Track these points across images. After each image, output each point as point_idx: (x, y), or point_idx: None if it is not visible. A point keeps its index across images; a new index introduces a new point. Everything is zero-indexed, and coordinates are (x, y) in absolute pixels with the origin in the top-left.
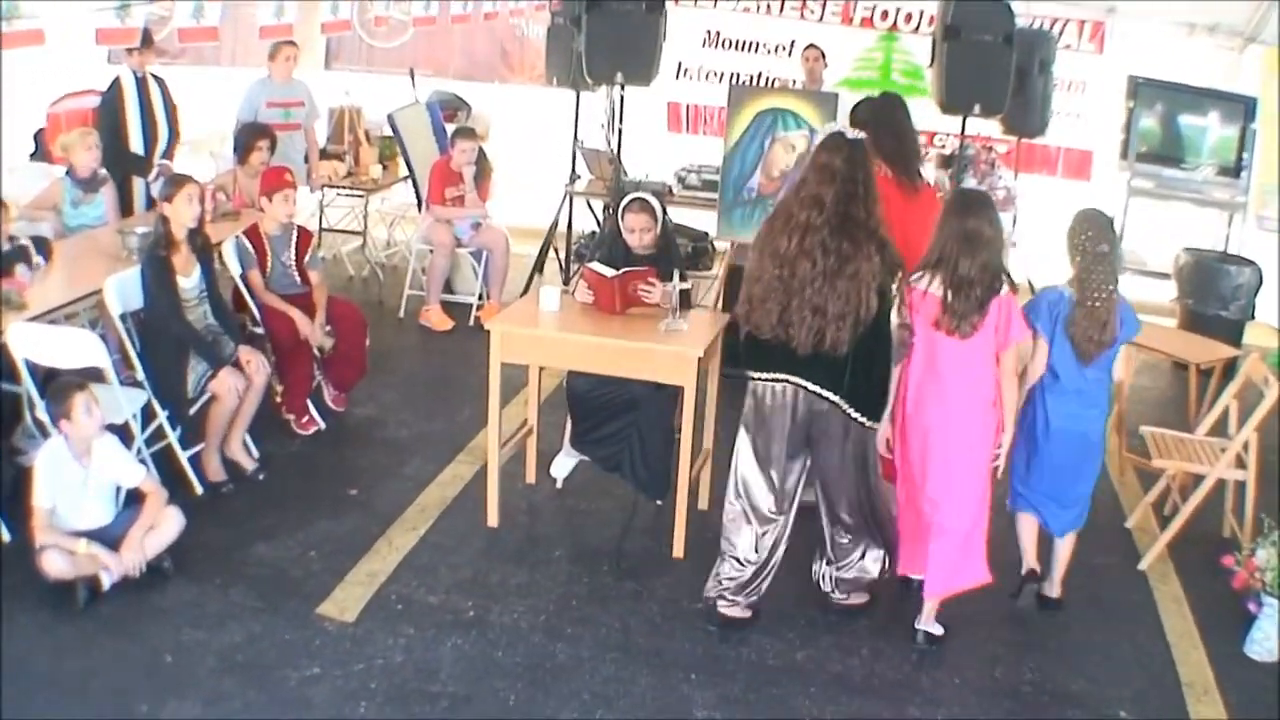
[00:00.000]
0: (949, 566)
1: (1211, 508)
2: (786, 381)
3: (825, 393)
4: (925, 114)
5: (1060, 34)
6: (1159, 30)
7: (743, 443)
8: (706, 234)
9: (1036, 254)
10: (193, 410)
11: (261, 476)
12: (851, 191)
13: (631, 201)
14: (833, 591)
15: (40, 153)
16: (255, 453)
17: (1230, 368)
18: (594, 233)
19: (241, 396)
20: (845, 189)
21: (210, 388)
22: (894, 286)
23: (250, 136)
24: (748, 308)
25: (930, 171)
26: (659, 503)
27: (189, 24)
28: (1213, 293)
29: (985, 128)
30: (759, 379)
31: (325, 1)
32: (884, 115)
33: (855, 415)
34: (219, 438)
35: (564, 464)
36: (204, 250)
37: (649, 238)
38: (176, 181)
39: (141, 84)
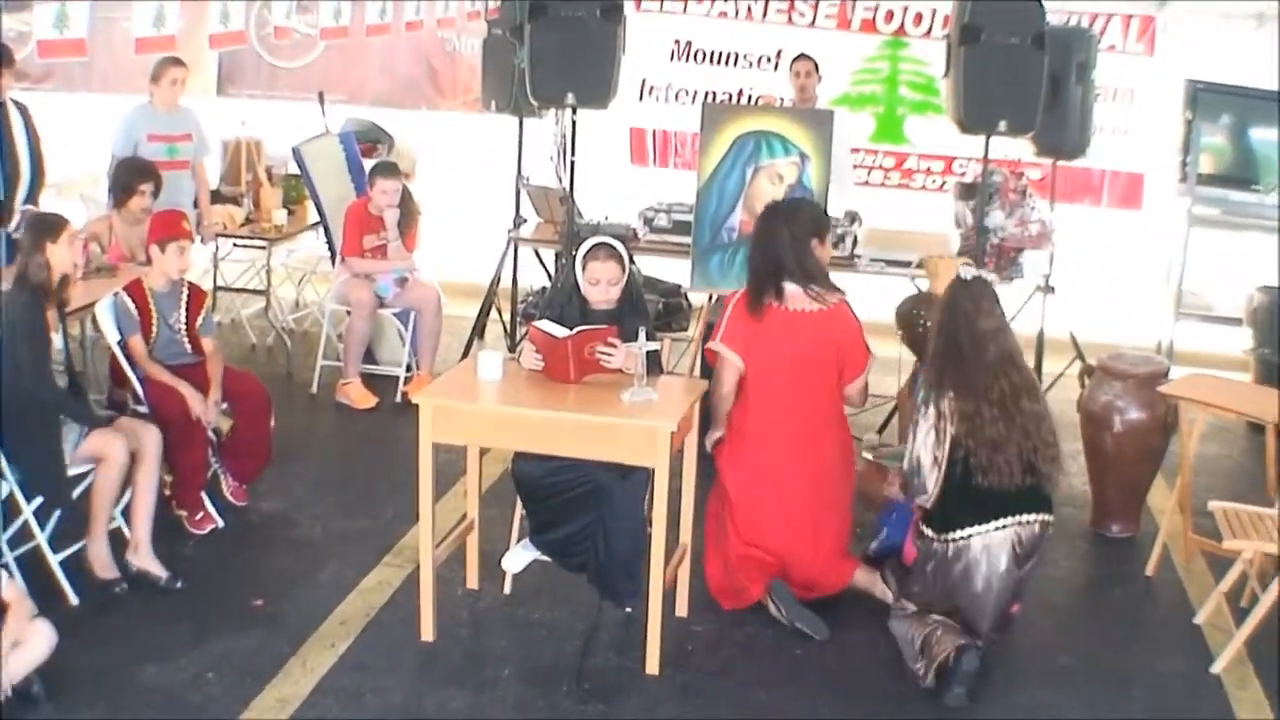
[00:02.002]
0: None
1: None
2: (1033, 522)
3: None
4: (940, 134)
5: (1102, 33)
6: (1222, 25)
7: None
8: (679, 287)
9: (1077, 299)
10: (77, 492)
11: (179, 585)
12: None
13: (596, 247)
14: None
15: None
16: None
17: None
18: (544, 288)
19: (132, 467)
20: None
21: (91, 450)
22: None
23: (131, 177)
24: (979, 460)
25: (949, 203)
26: (629, 610)
27: (51, 35)
28: None
29: (1014, 149)
30: (980, 531)
31: (214, 1)
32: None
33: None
34: (108, 514)
35: (519, 557)
36: (63, 309)
37: (616, 291)
38: (55, 223)
39: (0, 112)
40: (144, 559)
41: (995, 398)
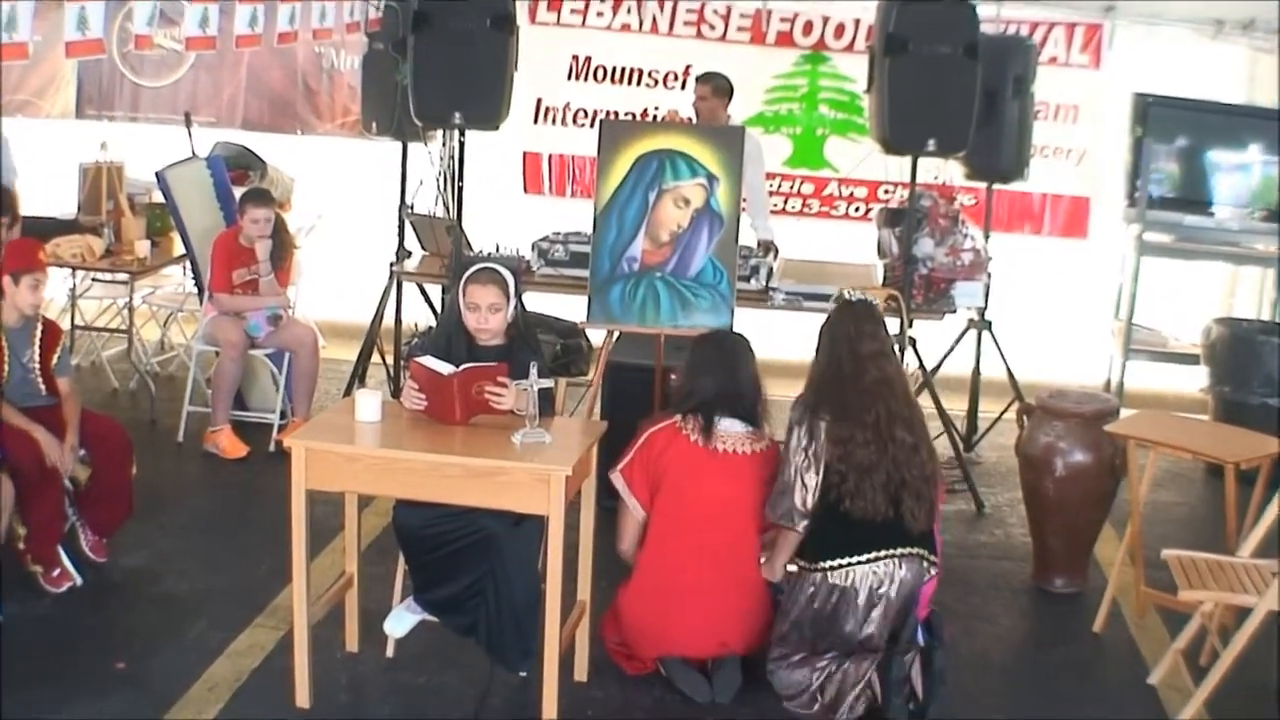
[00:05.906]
0: None
1: (1261, 651)
2: (903, 556)
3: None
4: (865, 157)
5: (1043, 44)
6: (1174, 33)
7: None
8: (576, 326)
9: (1017, 336)
10: None
11: None
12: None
13: (477, 272)
14: None
15: None
16: None
17: None
18: (430, 328)
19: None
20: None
21: None
22: None
23: None
24: (848, 484)
25: (873, 231)
26: (523, 674)
27: None
28: (1255, 374)
29: (945, 171)
30: (855, 563)
31: (71, 3)
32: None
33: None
34: None
35: (402, 620)
36: None
37: (496, 320)
38: None
39: None
40: None
41: (870, 421)
